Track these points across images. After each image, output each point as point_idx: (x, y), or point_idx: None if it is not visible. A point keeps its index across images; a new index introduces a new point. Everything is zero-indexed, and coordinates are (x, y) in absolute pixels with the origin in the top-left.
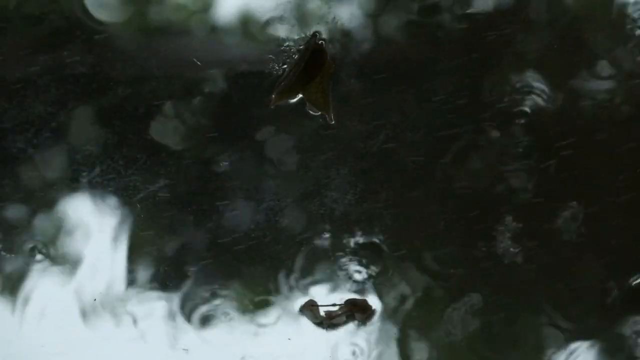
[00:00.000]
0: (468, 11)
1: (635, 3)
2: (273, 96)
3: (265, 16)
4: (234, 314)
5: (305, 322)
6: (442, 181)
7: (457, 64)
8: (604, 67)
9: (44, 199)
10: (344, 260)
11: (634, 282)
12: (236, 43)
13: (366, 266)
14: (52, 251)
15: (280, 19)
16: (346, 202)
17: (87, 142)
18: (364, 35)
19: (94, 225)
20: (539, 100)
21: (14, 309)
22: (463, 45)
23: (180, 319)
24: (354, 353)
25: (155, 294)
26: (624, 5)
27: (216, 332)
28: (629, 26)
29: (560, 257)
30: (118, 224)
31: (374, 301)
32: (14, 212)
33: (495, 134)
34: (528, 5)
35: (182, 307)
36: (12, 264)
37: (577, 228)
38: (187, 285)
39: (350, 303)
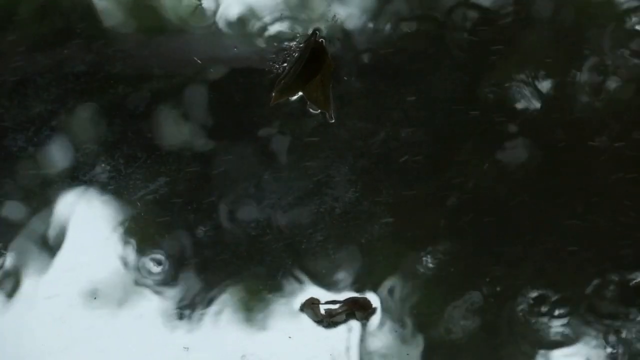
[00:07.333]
0: (468, 10)
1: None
2: (273, 94)
3: (265, 14)
4: (234, 312)
5: (306, 320)
6: (443, 179)
7: (457, 62)
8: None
9: (44, 197)
10: (344, 258)
11: (634, 282)
12: (236, 41)
13: (367, 265)
14: (52, 249)
15: (281, 17)
16: (346, 200)
17: (87, 140)
18: (365, 34)
19: (94, 223)
20: (540, 100)
21: (15, 308)
22: (463, 44)
23: (180, 318)
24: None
25: (155, 292)
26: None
27: (216, 331)
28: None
29: (560, 256)
30: (118, 222)
31: (374, 299)
32: (14, 209)
33: (495, 132)
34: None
35: (183, 305)
36: (12, 262)
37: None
38: (187, 284)
39: (351, 301)
